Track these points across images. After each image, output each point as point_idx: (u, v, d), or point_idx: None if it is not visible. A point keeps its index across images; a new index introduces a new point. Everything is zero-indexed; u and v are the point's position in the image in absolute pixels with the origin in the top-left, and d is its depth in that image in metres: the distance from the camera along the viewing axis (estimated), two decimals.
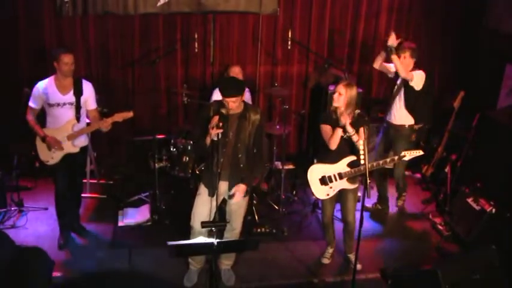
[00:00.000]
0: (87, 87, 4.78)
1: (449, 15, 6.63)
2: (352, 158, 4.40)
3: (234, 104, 4.00)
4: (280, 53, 6.48)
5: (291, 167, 6.43)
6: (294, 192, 6.10)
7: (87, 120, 4.91)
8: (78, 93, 4.70)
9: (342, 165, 4.45)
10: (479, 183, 5.39)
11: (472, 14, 6.63)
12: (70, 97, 4.68)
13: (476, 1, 6.61)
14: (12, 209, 5.45)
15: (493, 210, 5.00)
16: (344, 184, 4.50)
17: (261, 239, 4.18)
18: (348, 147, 4.41)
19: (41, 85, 4.66)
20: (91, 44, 6.08)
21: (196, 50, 6.12)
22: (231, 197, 4.22)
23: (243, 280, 4.62)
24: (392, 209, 5.82)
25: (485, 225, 5.01)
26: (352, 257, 4.86)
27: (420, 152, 4.47)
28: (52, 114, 4.70)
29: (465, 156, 5.89)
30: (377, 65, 5.47)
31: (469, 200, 5.25)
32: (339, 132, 4.34)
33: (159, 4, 5.96)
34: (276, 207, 5.73)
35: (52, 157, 4.73)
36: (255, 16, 6.25)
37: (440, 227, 5.47)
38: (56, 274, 4.42)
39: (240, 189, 4.17)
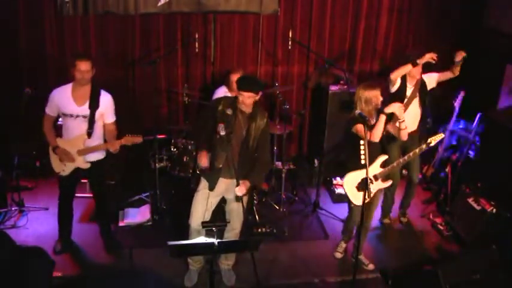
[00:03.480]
0: (105, 100, 4.46)
1: (449, 15, 6.63)
2: (384, 157, 4.43)
3: (248, 101, 3.97)
4: (281, 53, 6.48)
5: (291, 167, 6.43)
6: (295, 192, 6.10)
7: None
8: (94, 106, 4.38)
9: (375, 167, 4.47)
10: (480, 183, 5.39)
11: (472, 14, 6.63)
12: (85, 109, 4.38)
13: (476, 1, 6.61)
14: (13, 209, 5.44)
15: (494, 210, 5.00)
16: (380, 184, 4.55)
17: (261, 239, 4.18)
18: (378, 148, 4.45)
19: (57, 92, 4.41)
20: (91, 44, 6.07)
21: (196, 50, 6.11)
22: (238, 199, 4.16)
23: (244, 280, 4.61)
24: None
25: (486, 225, 5.01)
26: (362, 257, 4.88)
27: (442, 135, 4.60)
28: (65, 124, 4.49)
29: (465, 156, 5.89)
30: (396, 77, 5.09)
31: (470, 200, 5.25)
32: (383, 119, 4.31)
33: (159, 4, 5.96)
34: (277, 207, 5.73)
35: (63, 169, 4.54)
36: (255, 16, 6.25)
37: (440, 227, 5.48)
38: (56, 274, 4.42)
39: (244, 184, 4.08)
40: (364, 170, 4.24)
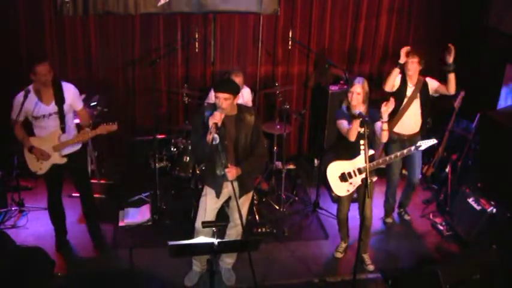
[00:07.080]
0: (69, 91, 4.51)
1: (449, 15, 6.63)
2: (370, 152, 4.41)
3: (225, 102, 3.91)
4: (281, 53, 6.48)
5: (291, 167, 6.43)
6: (295, 192, 6.10)
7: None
8: (61, 101, 4.45)
9: (361, 161, 4.46)
10: (480, 183, 5.39)
11: (472, 14, 6.63)
12: (54, 107, 4.45)
13: (476, 1, 6.61)
14: (13, 209, 5.45)
15: (494, 210, 4.99)
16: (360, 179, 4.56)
17: (261, 239, 4.18)
18: (358, 143, 4.44)
19: (21, 97, 4.39)
20: (91, 44, 6.08)
21: (196, 50, 6.11)
22: (242, 194, 4.21)
23: (244, 280, 4.61)
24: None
25: (486, 225, 5.01)
26: (366, 256, 4.88)
27: (434, 141, 4.55)
28: (39, 125, 4.51)
29: (465, 156, 5.89)
30: (390, 87, 5.15)
31: (470, 200, 5.25)
32: (357, 122, 4.33)
33: (159, 4, 5.96)
34: (277, 207, 5.73)
35: (40, 168, 4.56)
36: (255, 16, 6.25)
37: (440, 227, 5.48)
38: (56, 274, 4.43)
39: (235, 168, 4.02)
40: (347, 162, 4.52)
